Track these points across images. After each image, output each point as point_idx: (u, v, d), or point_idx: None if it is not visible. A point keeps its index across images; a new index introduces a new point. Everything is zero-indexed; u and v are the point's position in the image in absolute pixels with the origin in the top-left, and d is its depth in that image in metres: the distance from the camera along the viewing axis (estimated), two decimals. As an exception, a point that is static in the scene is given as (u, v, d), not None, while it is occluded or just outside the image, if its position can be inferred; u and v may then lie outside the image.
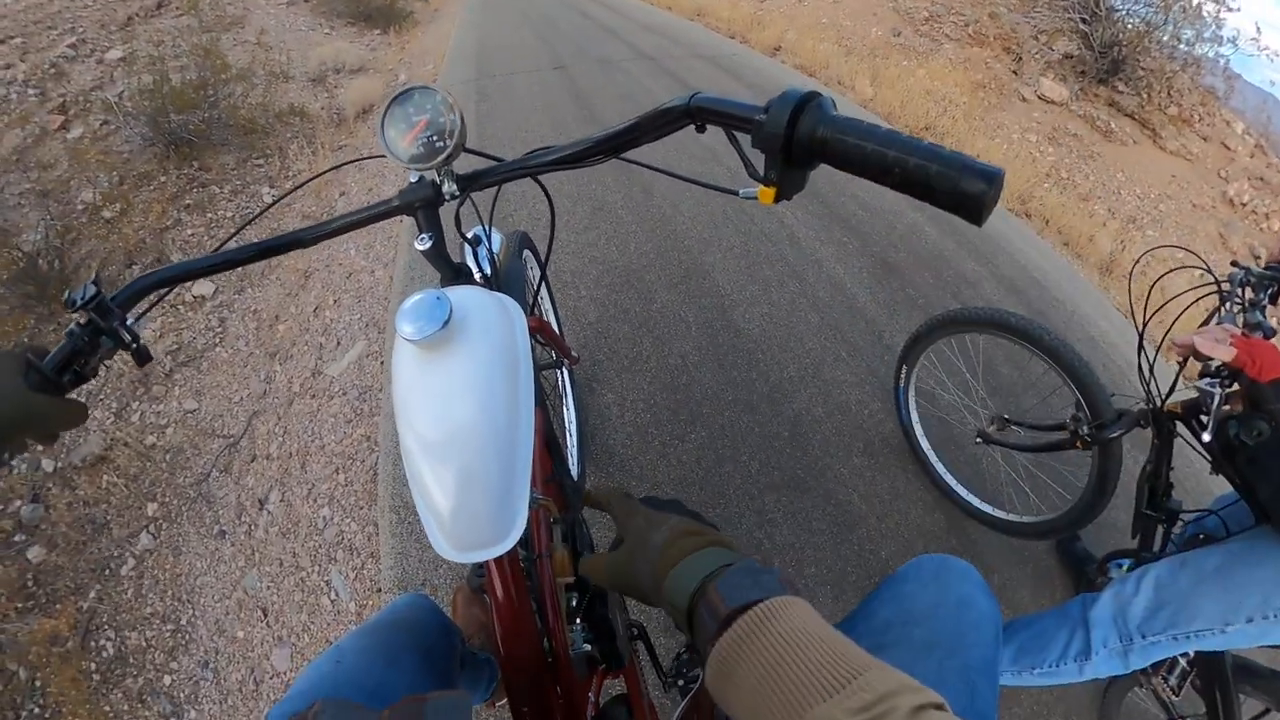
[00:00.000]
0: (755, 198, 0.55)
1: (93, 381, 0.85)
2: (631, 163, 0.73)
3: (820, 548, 1.61)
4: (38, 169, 3.00)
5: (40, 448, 0.66)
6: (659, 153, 3.12)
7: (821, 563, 1.58)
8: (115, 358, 0.66)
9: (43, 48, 3.89)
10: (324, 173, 0.97)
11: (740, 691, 0.38)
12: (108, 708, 1.55)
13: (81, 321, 0.64)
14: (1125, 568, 1.32)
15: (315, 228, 0.76)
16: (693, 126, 0.60)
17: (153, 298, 0.74)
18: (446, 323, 0.57)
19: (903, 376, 1.74)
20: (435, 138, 0.72)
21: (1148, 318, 1.22)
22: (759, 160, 0.53)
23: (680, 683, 0.76)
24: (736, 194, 0.58)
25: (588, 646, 0.72)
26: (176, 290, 2.58)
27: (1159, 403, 1.18)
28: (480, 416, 0.60)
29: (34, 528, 1.85)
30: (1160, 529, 1.25)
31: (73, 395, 0.64)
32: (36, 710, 1.55)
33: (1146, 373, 1.19)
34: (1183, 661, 1.18)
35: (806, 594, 1.52)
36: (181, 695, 1.57)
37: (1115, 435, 1.24)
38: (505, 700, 0.70)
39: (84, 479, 1.96)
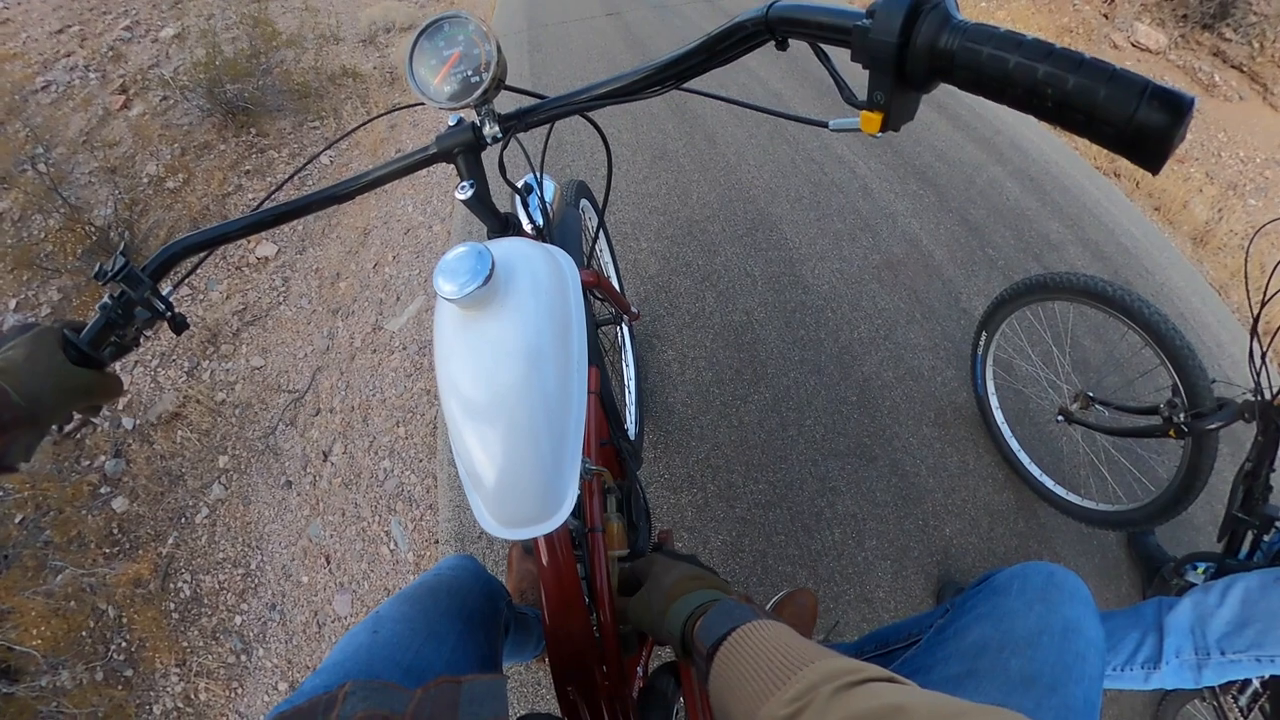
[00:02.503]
0: (855, 128, 0.45)
1: (140, 349, 0.84)
2: (697, 93, 0.63)
3: (883, 520, 1.53)
4: (104, 147, 3.11)
5: (91, 419, 0.67)
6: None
7: (884, 536, 1.50)
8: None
9: (99, 32, 4.01)
10: (352, 130, 0.92)
11: (722, 714, 0.42)
12: (185, 643, 1.63)
13: (113, 294, 0.62)
14: (1204, 572, 1.20)
15: (349, 182, 0.71)
16: (772, 43, 0.50)
17: (189, 264, 0.71)
18: (488, 279, 0.51)
19: (981, 343, 1.60)
20: (470, 73, 0.64)
21: (1266, 299, 1.06)
22: (857, 83, 0.43)
23: None
24: (827, 126, 0.49)
25: None
26: (240, 254, 2.64)
27: (1269, 396, 1.04)
28: (527, 382, 0.54)
29: (117, 480, 1.95)
30: (1251, 535, 1.13)
31: (112, 367, 0.64)
32: (123, 644, 1.64)
33: (1258, 362, 1.06)
34: (1256, 682, 1.07)
35: (865, 568, 1.45)
36: (251, 634, 1.63)
37: (1214, 427, 1.10)
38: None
39: (160, 435, 2.04)
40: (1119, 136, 0.33)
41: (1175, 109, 0.31)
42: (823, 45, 0.48)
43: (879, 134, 0.44)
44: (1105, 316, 1.28)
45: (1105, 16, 6.06)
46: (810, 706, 0.34)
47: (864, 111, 0.44)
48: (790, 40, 0.50)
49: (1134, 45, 5.84)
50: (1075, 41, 5.52)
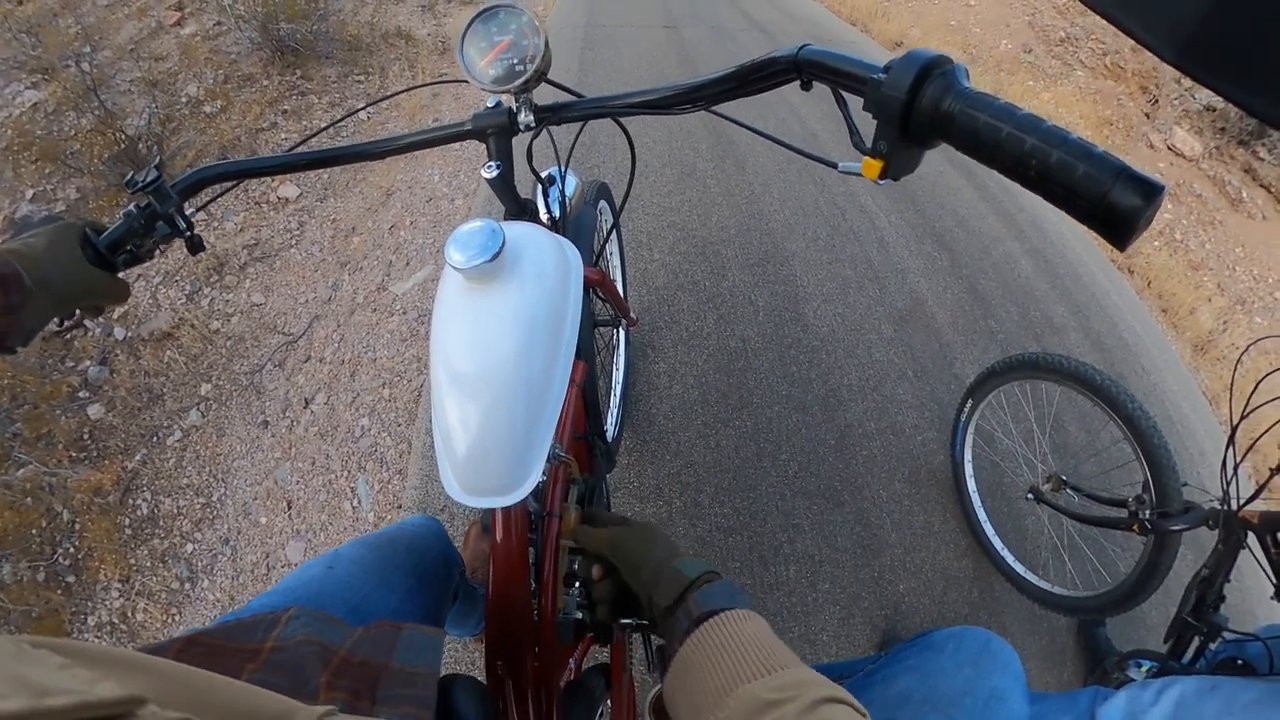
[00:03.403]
0: (858, 172, 0.48)
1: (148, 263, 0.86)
2: (723, 117, 0.66)
3: (840, 565, 1.54)
4: (150, 60, 3.13)
5: (88, 319, 0.69)
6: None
7: (838, 581, 1.52)
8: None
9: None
10: (398, 93, 0.94)
11: (685, 678, 0.43)
12: (132, 561, 1.63)
13: (140, 204, 0.64)
14: (1146, 670, 1.22)
15: (384, 141, 0.73)
16: (798, 82, 0.54)
17: (214, 190, 0.73)
18: (497, 255, 0.54)
19: (965, 410, 1.63)
20: (516, 61, 0.67)
21: (1246, 411, 1.10)
22: (867, 131, 0.46)
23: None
24: (835, 166, 0.51)
25: (579, 614, 0.68)
26: (263, 190, 2.66)
27: (1235, 506, 1.07)
28: (515, 359, 0.56)
29: (97, 388, 1.95)
30: (1197, 640, 1.15)
31: (124, 274, 0.65)
32: (71, 549, 1.64)
33: (1229, 471, 1.09)
34: None
35: (814, 609, 1.46)
36: (199, 564, 1.64)
37: (1178, 528, 1.13)
38: None
39: (149, 351, 2.04)
40: (1092, 211, 0.35)
41: (1146, 193, 0.34)
42: (842, 92, 0.51)
43: (879, 181, 0.47)
44: (1090, 404, 1.30)
45: (1147, 116, 6.14)
46: (795, 701, 0.36)
47: (866, 158, 0.46)
48: (815, 84, 0.53)
49: (1169, 148, 5.91)
50: (1113, 135, 5.59)
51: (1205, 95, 6.30)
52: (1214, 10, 0.28)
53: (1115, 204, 0.34)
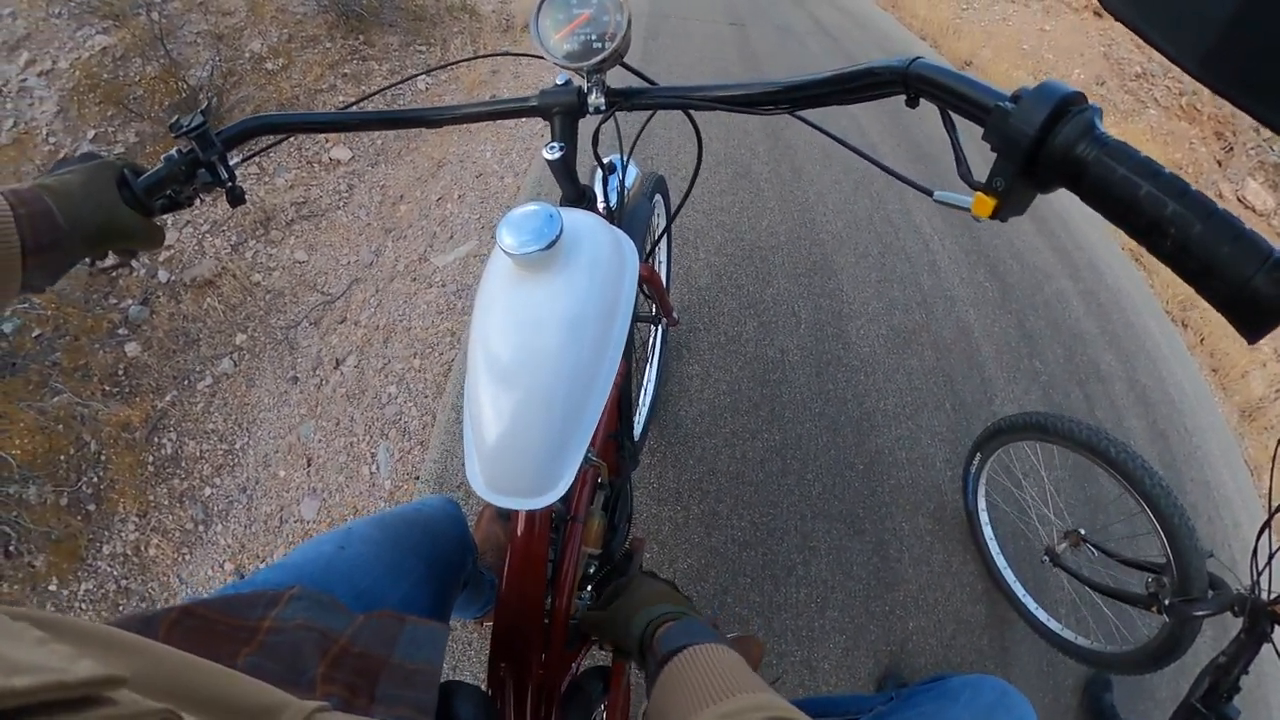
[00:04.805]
0: (964, 207, 0.43)
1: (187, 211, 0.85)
2: (810, 125, 0.61)
3: (851, 594, 1.50)
4: (217, 14, 3.17)
5: (127, 261, 0.68)
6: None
7: (847, 610, 1.48)
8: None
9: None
10: (461, 61, 0.91)
11: (658, 714, 0.44)
12: (151, 497, 1.67)
13: (183, 149, 0.62)
14: None
15: (443, 109, 0.70)
16: (903, 97, 0.49)
17: (261, 143, 0.70)
18: (553, 243, 0.50)
19: (975, 464, 1.57)
20: (594, 37, 0.63)
21: None
22: (979, 163, 0.41)
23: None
24: (931, 195, 0.47)
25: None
26: (316, 150, 2.68)
27: (1264, 597, 1.00)
28: (561, 353, 0.53)
29: (136, 327, 1.99)
30: None
31: (160, 220, 0.63)
32: (95, 479, 1.67)
33: (1261, 560, 1.02)
34: None
35: (819, 635, 1.42)
36: (215, 509, 1.66)
37: (1200, 614, 1.06)
38: (491, 625, 0.66)
39: (190, 296, 2.08)
40: (1229, 296, 0.32)
41: None
42: (953, 115, 0.46)
43: (984, 219, 0.43)
44: (1105, 474, 1.23)
45: (1219, 164, 5.89)
46: None
47: (979, 193, 0.42)
48: (923, 100, 0.49)
49: (1239, 200, 5.66)
50: (1182, 181, 5.38)
51: (1284, 149, 6.02)
52: (1237, 22, 0.27)
53: (1258, 292, 0.31)
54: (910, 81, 0.48)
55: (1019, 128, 0.38)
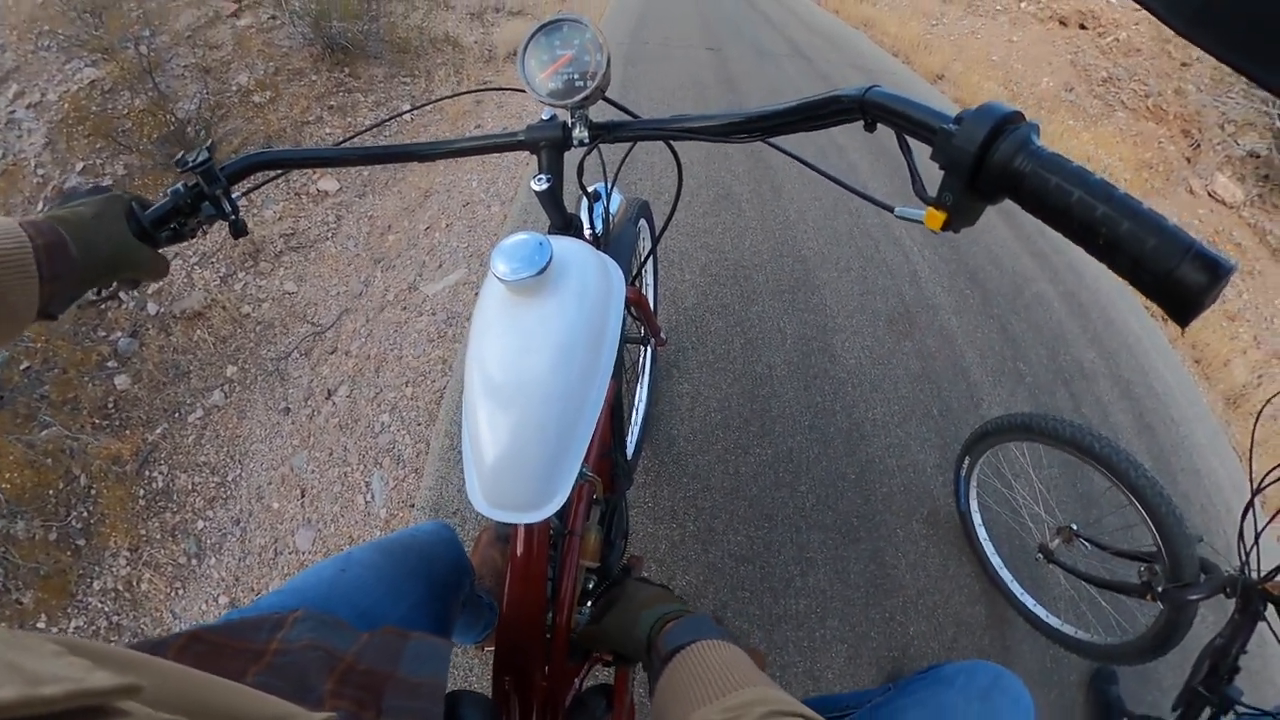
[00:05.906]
0: (919, 220, 0.47)
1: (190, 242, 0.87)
2: (781, 150, 0.65)
3: (850, 602, 1.51)
4: (205, 48, 3.22)
5: (125, 291, 0.70)
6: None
7: (847, 618, 1.48)
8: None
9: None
10: (460, 94, 0.95)
11: (661, 715, 0.45)
12: (143, 531, 1.66)
13: (188, 183, 0.65)
14: None
15: (435, 144, 0.73)
16: (861, 123, 0.53)
17: (260, 177, 0.73)
18: (543, 270, 0.54)
19: (965, 466, 1.59)
20: (576, 77, 0.67)
21: (1266, 481, 1.04)
22: (930, 179, 0.45)
23: None
24: (892, 211, 0.50)
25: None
26: (303, 182, 2.71)
27: (1255, 577, 1.03)
28: (553, 374, 0.56)
29: (126, 359, 1.99)
30: (1208, 711, 1.09)
31: (163, 251, 0.65)
32: (85, 514, 1.67)
33: (1249, 539, 1.04)
34: None
35: (821, 645, 1.43)
36: (208, 542, 1.65)
37: (1193, 599, 1.08)
38: (494, 648, 0.67)
39: (179, 328, 2.08)
40: (1157, 286, 0.35)
41: (1214, 272, 0.33)
42: (908, 138, 0.50)
43: (939, 231, 0.46)
44: (1092, 470, 1.25)
45: (1188, 160, 6.04)
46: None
47: (930, 208, 0.46)
48: (879, 126, 0.52)
49: (1209, 194, 5.80)
50: (1153, 178, 5.50)
51: (1250, 141, 6.18)
52: None
53: (1182, 280, 0.34)
54: (866, 108, 0.51)
55: (961, 147, 0.41)
